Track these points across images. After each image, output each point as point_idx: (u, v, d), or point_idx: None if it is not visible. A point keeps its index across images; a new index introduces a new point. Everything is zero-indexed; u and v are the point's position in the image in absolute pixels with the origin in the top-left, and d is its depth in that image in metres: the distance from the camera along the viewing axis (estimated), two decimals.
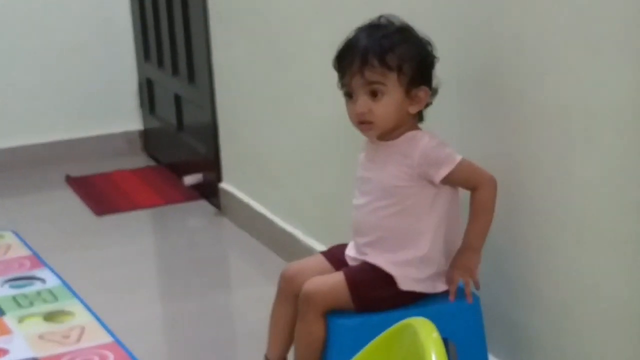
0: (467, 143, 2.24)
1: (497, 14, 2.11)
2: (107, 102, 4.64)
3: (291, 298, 2.20)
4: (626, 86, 1.81)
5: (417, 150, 2.06)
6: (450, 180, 2.07)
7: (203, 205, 3.93)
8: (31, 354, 2.74)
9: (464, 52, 2.23)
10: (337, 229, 2.64)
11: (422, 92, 2.07)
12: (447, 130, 2.24)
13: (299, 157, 3.18)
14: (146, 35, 4.48)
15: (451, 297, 2.09)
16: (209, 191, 3.90)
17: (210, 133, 3.83)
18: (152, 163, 4.56)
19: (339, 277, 2.12)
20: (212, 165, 3.85)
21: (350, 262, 2.18)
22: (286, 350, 2.24)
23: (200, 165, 3.99)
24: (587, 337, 2.02)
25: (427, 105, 2.11)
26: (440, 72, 2.12)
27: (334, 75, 2.86)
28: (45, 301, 3.07)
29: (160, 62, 4.36)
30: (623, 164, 1.85)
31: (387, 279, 2.10)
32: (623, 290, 1.91)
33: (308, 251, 2.90)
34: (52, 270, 3.31)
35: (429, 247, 2.09)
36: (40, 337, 2.84)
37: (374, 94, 2.05)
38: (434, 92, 2.11)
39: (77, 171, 4.38)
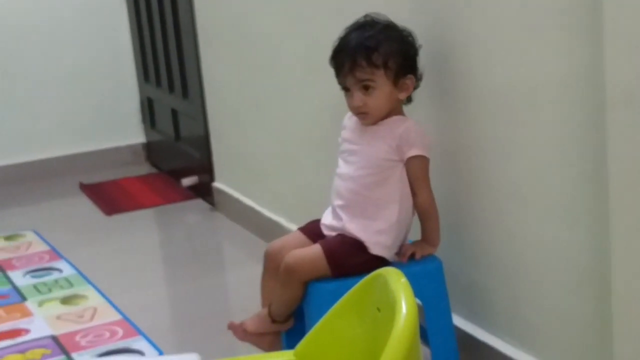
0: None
1: (446, 9, 2.04)
2: (113, 120, 4.56)
3: (276, 272, 2.12)
4: (564, 63, 1.74)
5: (402, 127, 2.01)
6: (410, 165, 2.01)
7: (199, 203, 3.84)
8: (50, 332, 2.64)
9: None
10: (314, 215, 2.57)
11: (408, 80, 2.03)
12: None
13: (280, 155, 3.10)
14: (145, 60, 4.39)
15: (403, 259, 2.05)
16: (204, 191, 3.82)
17: (203, 140, 3.75)
18: (154, 170, 4.48)
19: (316, 249, 2.04)
20: (205, 168, 3.76)
21: (325, 231, 2.11)
22: None
23: (195, 169, 3.90)
24: (541, 295, 1.94)
25: (415, 88, 2.06)
26: None
27: (308, 82, 2.81)
28: (62, 287, 2.98)
29: (158, 82, 4.27)
30: (564, 132, 1.78)
31: (359, 246, 2.02)
32: (572, 249, 1.83)
33: None
34: (68, 262, 3.21)
35: (397, 216, 2.02)
36: (58, 317, 2.75)
37: (366, 88, 2.01)
38: (419, 77, 2.06)
39: (89, 179, 4.29)
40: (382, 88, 2.00)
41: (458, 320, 2.18)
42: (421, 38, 2.09)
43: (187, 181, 3.88)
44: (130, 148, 4.62)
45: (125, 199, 4.00)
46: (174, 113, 4.13)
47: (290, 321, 2.12)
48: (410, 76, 2.02)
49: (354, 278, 1.90)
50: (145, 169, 4.51)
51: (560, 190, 1.81)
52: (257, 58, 3.14)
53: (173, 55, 3.96)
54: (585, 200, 1.75)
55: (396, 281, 1.30)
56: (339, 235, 2.06)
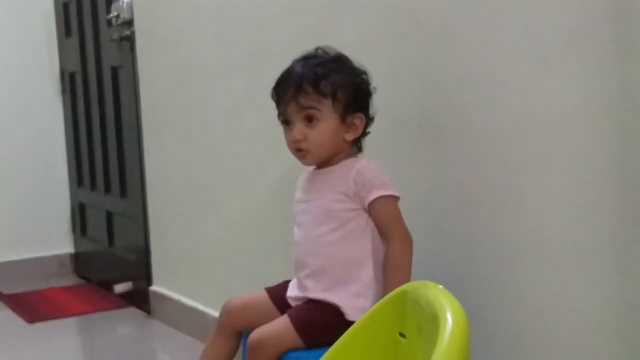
0: (415, 182, 1.91)
1: (437, 42, 1.83)
2: (39, 227, 4.20)
3: (229, 333, 1.83)
4: (582, 92, 1.52)
5: (353, 170, 1.73)
6: (374, 211, 1.72)
7: (133, 311, 3.46)
8: None
9: (407, 94, 1.92)
10: None
11: (357, 120, 1.76)
12: (393, 169, 1.92)
13: (229, 247, 2.80)
14: (80, 161, 4.10)
15: None
16: (139, 298, 3.45)
17: (141, 242, 3.41)
18: (82, 282, 4.08)
19: (284, 321, 1.72)
20: (141, 273, 3.41)
21: (292, 303, 1.80)
22: None
23: (130, 275, 3.54)
24: None
25: (365, 134, 1.80)
26: (384, 115, 1.82)
27: (257, 167, 2.56)
28: None
29: (92, 185, 3.96)
30: (586, 171, 1.54)
31: (332, 311, 1.71)
32: (599, 311, 1.56)
33: None
34: None
35: (373, 273, 1.72)
36: None
37: (309, 119, 1.73)
38: (370, 120, 1.80)
39: (9, 290, 3.88)
40: (328, 121, 1.73)
41: None
42: (408, 78, 1.88)
43: (120, 287, 3.52)
44: (57, 259, 4.24)
45: (49, 307, 3.59)
46: (109, 216, 3.80)
47: None
48: (360, 115, 1.76)
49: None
50: (71, 280, 4.12)
51: (585, 243, 1.55)
52: (206, 145, 2.88)
53: (112, 152, 3.68)
54: (619, 251, 1.49)
55: (432, 290, 1.01)
56: (309, 301, 1.76)
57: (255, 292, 1.87)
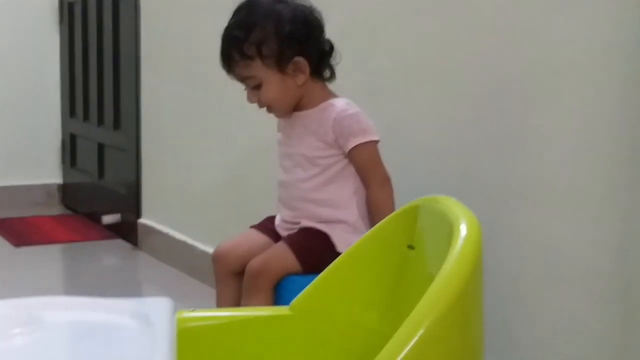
0: (417, 122, 1.92)
1: None
2: (27, 156, 4.17)
3: (228, 276, 1.82)
4: (579, 50, 1.53)
5: (331, 117, 1.72)
6: (353, 158, 1.73)
7: (119, 242, 3.46)
8: None
9: (424, 38, 1.92)
10: None
11: (299, 63, 1.72)
12: (402, 111, 1.93)
13: (220, 183, 2.80)
14: (74, 92, 4.06)
15: None
16: (126, 230, 3.45)
17: (132, 175, 3.41)
18: (69, 213, 4.08)
19: (282, 246, 1.75)
20: (131, 206, 3.41)
21: (282, 232, 1.81)
22: None
23: (119, 208, 3.54)
24: (550, 312, 1.68)
25: (326, 63, 1.77)
26: (400, 58, 1.81)
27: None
28: None
29: (85, 116, 3.94)
30: (593, 117, 1.55)
31: (325, 241, 1.73)
32: (582, 252, 1.58)
33: None
34: None
35: (358, 211, 1.74)
36: None
37: (252, 86, 1.74)
38: (324, 52, 1.76)
39: None
40: (267, 79, 1.71)
41: None
42: (415, 22, 1.88)
43: (108, 219, 3.52)
44: (44, 188, 4.22)
45: (36, 234, 3.60)
46: (101, 148, 3.79)
47: None
48: (298, 59, 1.71)
49: None
50: (58, 210, 4.11)
51: (588, 187, 1.57)
52: (205, 81, 2.87)
53: (108, 84, 3.65)
54: (623, 197, 1.51)
55: (446, 202, 1.03)
56: (302, 230, 1.78)
57: (240, 234, 1.86)
